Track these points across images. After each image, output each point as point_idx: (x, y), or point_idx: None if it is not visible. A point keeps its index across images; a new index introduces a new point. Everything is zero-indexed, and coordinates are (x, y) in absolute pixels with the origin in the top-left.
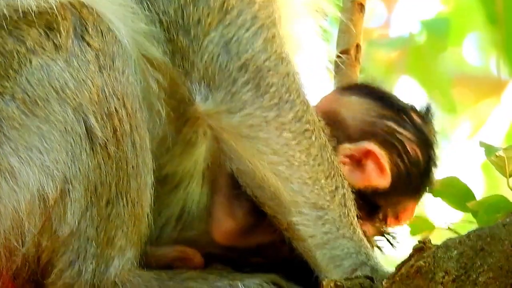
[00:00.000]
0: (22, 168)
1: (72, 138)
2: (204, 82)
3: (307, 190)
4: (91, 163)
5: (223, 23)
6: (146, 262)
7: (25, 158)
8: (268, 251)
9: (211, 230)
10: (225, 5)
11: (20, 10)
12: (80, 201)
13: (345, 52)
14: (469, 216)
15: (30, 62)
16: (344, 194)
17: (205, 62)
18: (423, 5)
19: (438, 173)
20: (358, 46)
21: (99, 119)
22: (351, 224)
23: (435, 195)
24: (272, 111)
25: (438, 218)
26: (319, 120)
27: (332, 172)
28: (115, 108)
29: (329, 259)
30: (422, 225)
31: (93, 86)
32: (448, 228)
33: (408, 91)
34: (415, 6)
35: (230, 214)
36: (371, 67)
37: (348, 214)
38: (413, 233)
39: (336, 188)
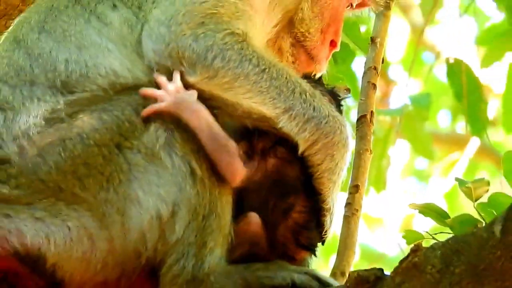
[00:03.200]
0: (145, 198)
1: (180, 176)
2: (187, 65)
3: (278, 102)
4: (193, 191)
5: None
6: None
7: (147, 190)
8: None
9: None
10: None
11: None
12: (185, 218)
13: (363, 116)
14: (444, 229)
15: (149, 127)
16: (300, 92)
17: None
18: (409, 85)
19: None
20: (372, 113)
21: (199, 162)
22: (310, 104)
23: (423, 214)
24: (237, 69)
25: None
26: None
27: (289, 84)
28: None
29: (308, 139)
30: (414, 236)
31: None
32: (432, 237)
33: (402, 149)
34: (403, 85)
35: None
36: (378, 130)
37: (307, 101)
38: (408, 242)
39: (293, 90)
